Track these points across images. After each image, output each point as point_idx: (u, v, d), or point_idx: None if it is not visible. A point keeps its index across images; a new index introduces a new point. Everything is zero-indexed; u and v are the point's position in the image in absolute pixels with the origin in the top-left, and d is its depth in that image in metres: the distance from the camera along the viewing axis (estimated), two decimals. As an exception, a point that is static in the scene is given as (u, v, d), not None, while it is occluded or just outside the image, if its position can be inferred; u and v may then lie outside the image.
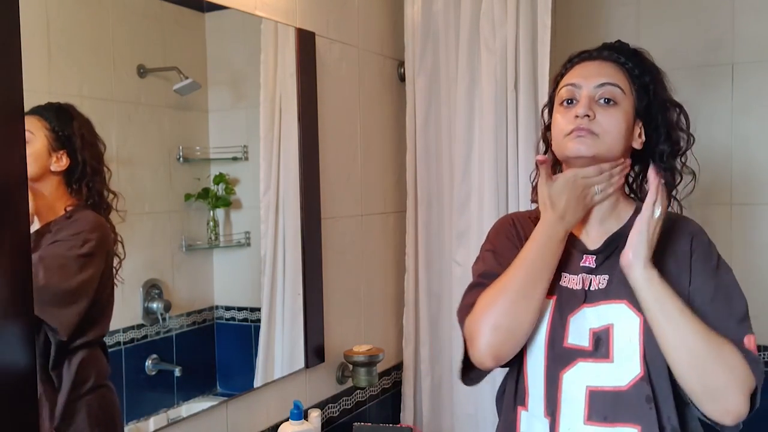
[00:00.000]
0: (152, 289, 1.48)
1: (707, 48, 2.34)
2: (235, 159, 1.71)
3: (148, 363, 1.47)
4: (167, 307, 1.50)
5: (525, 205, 1.94)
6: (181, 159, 1.56)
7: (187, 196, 1.59)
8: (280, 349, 1.83)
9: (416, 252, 2.23)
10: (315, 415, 1.80)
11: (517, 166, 2.02)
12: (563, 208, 1.12)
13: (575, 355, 1.11)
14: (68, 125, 1.25)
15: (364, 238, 2.15)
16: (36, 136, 1.21)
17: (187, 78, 1.54)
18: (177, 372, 1.54)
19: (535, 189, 1.26)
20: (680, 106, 1.20)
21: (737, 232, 2.32)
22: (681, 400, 1.09)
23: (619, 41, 1.20)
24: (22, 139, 1.02)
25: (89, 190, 1.28)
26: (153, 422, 1.45)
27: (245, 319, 1.75)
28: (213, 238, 1.66)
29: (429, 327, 2.21)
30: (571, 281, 1.15)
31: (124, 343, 1.40)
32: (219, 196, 1.66)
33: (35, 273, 1.06)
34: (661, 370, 1.08)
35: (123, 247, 1.34)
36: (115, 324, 1.34)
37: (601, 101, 1.13)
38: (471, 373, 1.20)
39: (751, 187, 2.31)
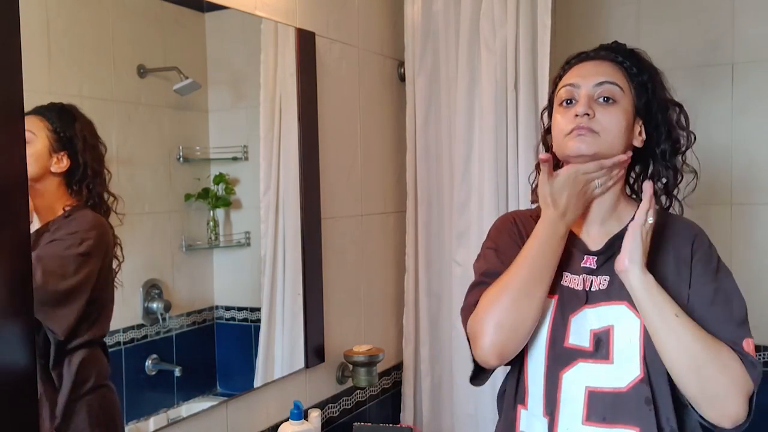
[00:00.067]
0: (152, 289, 1.48)
1: (707, 48, 2.34)
2: (235, 159, 1.71)
3: (148, 363, 1.47)
4: (167, 307, 1.50)
5: (525, 206, 1.94)
6: (181, 159, 1.56)
7: (187, 196, 1.59)
8: (280, 349, 1.83)
9: (416, 252, 2.23)
10: (315, 415, 1.80)
11: (517, 166, 2.02)
12: (564, 205, 1.12)
13: (576, 355, 1.11)
14: (70, 126, 1.25)
15: (364, 238, 2.15)
16: (37, 137, 1.21)
17: (187, 78, 1.54)
18: (177, 372, 1.54)
19: (534, 191, 1.26)
20: (680, 105, 1.20)
21: (737, 232, 2.32)
22: (680, 402, 1.09)
23: (615, 42, 1.21)
24: (22, 139, 1.02)
25: (89, 192, 1.28)
26: (153, 422, 1.45)
27: (245, 319, 1.75)
28: (213, 238, 1.67)
29: (429, 327, 2.21)
30: (573, 281, 1.16)
31: (124, 343, 1.40)
32: (219, 196, 1.66)
33: (33, 272, 1.05)
34: (661, 371, 1.08)
35: (122, 250, 1.34)
36: (115, 324, 1.34)
37: (600, 100, 1.13)
38: (480, 373, 1.21)
39: (751, 187, 2.31)
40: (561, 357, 1.12)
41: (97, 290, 1.26)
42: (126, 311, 1.41)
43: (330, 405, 1.99)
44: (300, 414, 1.71)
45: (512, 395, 1.18)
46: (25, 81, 1.02)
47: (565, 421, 1.10)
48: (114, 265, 1.33)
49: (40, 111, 1.20)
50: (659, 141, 1.18)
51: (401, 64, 2.27)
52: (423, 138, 2.21)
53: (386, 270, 2.27)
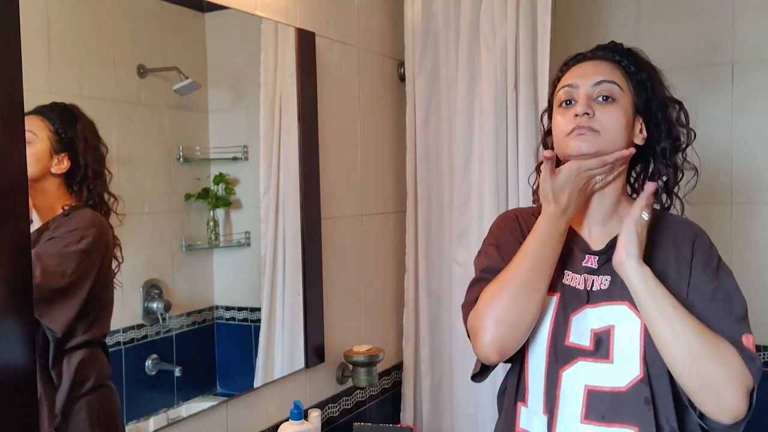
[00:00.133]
0: (152, 289, 1.48)
1: (707, 48, 2.34)
2: (235, 159, 1.71)
3: (148, 363, 1.47)
4: (167, 307, 1.50)
5: (524, 205, 1.94)
6: (181, 159, 1.56)
7: (187, 196, 1.59)
8: (280, 349, 1.83)
9: (416, 252, 2.23)
10: (315, 415, 1.80)
11: (517, 166, 2.02)
12: (566, 201, 1.12)
13: (576, 354, 1.12)
14: (72, 127, 1.25)
15: (364, 238, 2.15)
16: (38, 137, 1.21)
17: (187, 78, 1.54)
18: (177, 372, 1.54)
19: (535, 192, 1.26)
20: (680, 103, 1.20)
21: (737, 231, 2.32)
22: (680, 403, 1.09)
23: (612, 42, 1.21)
24: (22, 139, 1.01)
25: (90, 193, 1.28)
26: (153, 422, 1.45)
27: (245, 319, 1.75)
28: (213, 238, 1.67)
29: (429, 327, 2.21)
30: (574, 280, 1.16)
31: (124, 343, 1.40)
32: (219, 196, 1.66)
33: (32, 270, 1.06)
34: (661, 372, 1.08)
35: (121, 250, 1.34)
36: (115, 324, 1.34)
37: (600, 99, 1.13)
38: (483, 371, 1.21)
39: (751, 186, 2.31)
40: (561, 355, 1.12)
41: (96, 289, 1.26)
42: (126, 311, 1.41)
43: (330, 405, 1.99)
44: (300, 414, 1.71)
45: (513, 392, 1.19)
46: (25, 81, 1.02)
47: (563, 419, 1.10)
48: (114, 266, 1.32)
49: (41, 111, 1.20)
50: (659, 139, 1.18)
51: (401, 64, 2.27)
52: (423, 138, 2.21)
53: (386, 270, 2.27)
